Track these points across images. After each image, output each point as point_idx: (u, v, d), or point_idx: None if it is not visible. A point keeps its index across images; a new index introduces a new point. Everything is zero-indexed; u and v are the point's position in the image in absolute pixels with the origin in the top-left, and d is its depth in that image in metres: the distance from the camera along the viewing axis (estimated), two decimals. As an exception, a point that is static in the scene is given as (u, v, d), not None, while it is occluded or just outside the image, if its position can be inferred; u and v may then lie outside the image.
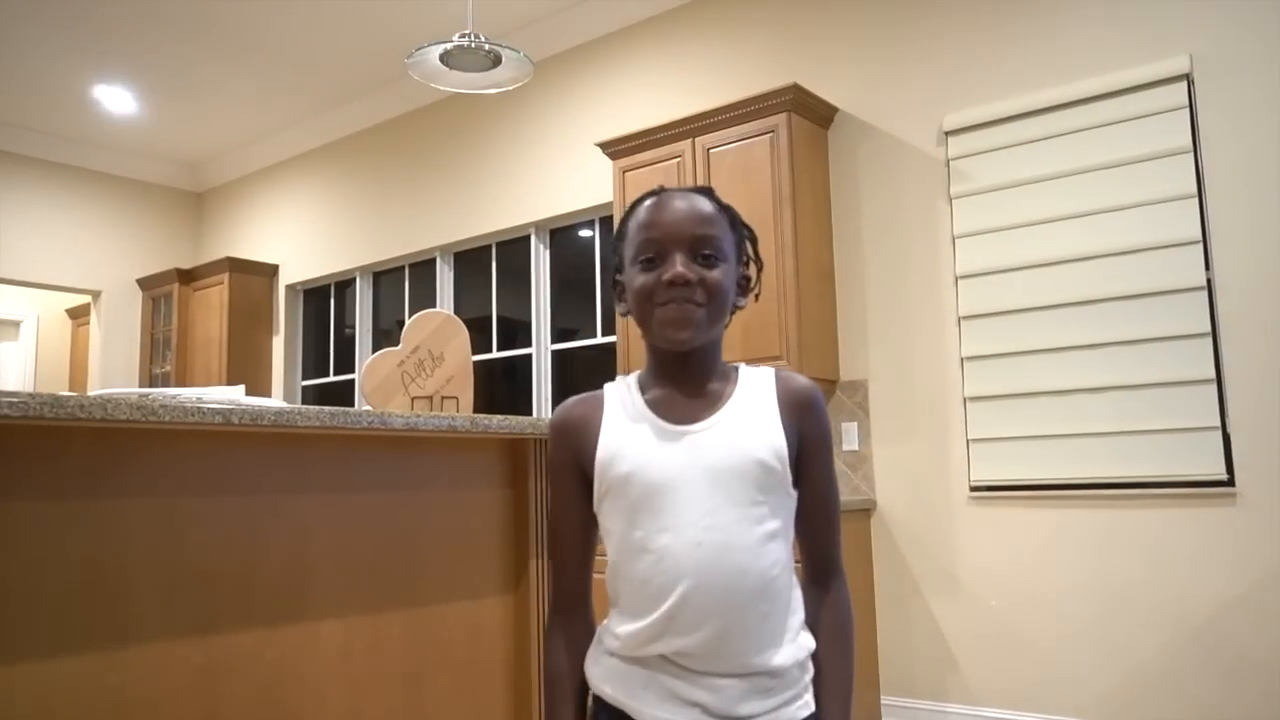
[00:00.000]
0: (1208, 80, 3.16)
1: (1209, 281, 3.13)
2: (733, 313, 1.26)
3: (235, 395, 1.91)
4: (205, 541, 1.68)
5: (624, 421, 1.23)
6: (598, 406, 1.26)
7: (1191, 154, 3.17)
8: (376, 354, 2.17)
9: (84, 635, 1.51)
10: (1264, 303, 3.03)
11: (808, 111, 3.86)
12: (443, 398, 2.20)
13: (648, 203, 1.25)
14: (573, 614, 1.29)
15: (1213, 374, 3.09)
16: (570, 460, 1.26)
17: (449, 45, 2.50)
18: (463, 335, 2.26)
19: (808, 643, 1.20)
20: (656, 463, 1.17)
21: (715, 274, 1.20)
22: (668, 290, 1.18)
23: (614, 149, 4.28)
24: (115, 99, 5.97)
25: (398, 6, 4.87)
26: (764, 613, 1.14)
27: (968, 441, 3.56)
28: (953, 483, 3.59)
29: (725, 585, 1.13)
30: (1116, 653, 3.19)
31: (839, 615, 1.25)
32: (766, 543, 1.15)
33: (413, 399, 2.17)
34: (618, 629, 1.19)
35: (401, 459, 2.05)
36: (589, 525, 1.26)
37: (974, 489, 3.54)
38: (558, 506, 1.29)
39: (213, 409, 1.52)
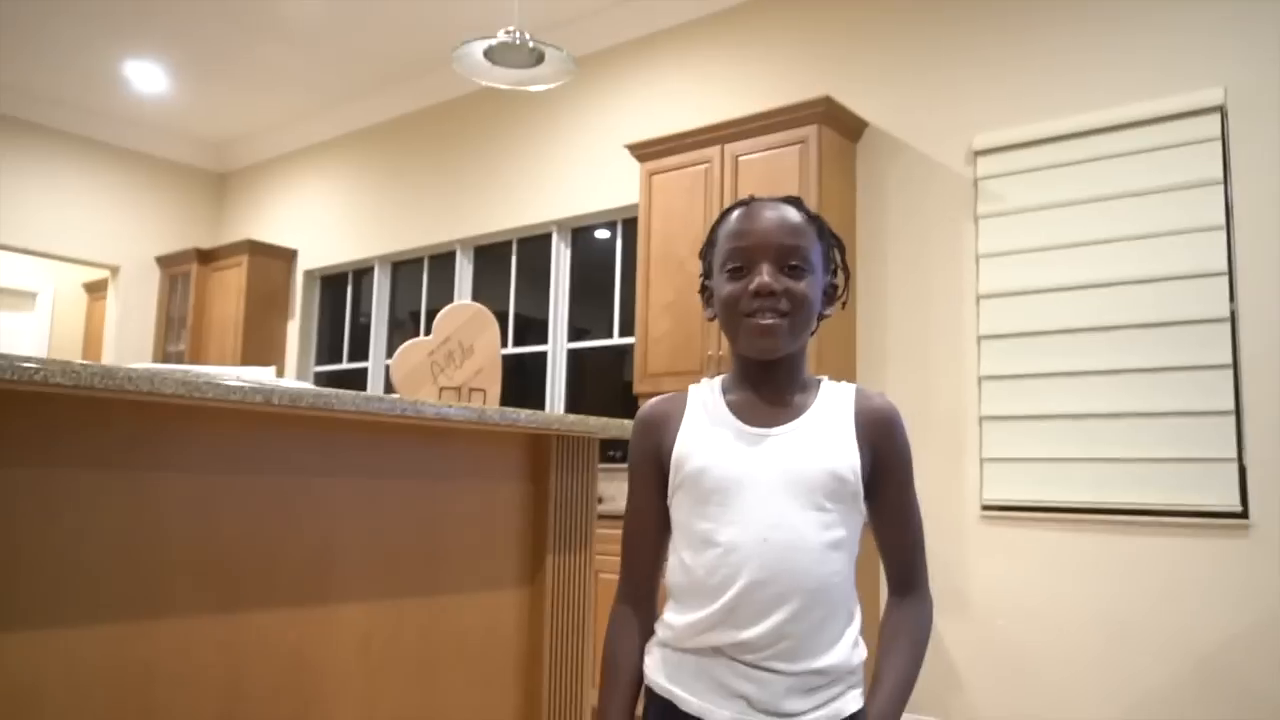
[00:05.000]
0: (1241, 113, 3.17)
1: (1233, 313, 3.13)
2: (821, 320, 1.30)
3: (266, 376, 1.93)
4: (235, 520, 1.70)
5: (703, 420, 1.26)
6: (680, 405, 1.29)
7: (1222, 186, 3.18)
8: (408, 343, 2.19)
9: (115, 606, 1.53)
10: (1287, 337, 3.03)
11: (838, 124, 3.87)
12: (470, 390, 2.21)
13: (737, 212, 1.27)
14: (639, 606, 1.31)
15: (1232, 406, 3.09)
16: (650, 454, 1.28)
17: (494, 41, 2.51)
18: (493, 329, 2.28)
19: (862, 653, 1.23)
20: (730, 459, 1.20)
21: (801, 285, 1.22)
22: (753, 300, 1.20)
23: (642, 151, 4.29)
24: (146, 76, 6.00)
25: (432, -1, 4.89)
26: (820, 618, 1.17)
27: (981, 460, 3.56)
28: (965, 501, 3.59)
29: (787, 583, 1.15)
30: (1121, 681, 3.19)
31: (912, 621, 1.26)
32: (830, 550, 1.18)
33: (441, 389, 2.19)
34: (673, 619, 1.22)
35: (427, 448, 2.07)
36: (663, 520, 1.28)
37: (985, 508, 3.54)
38: (635, 499, 1.31)
39: (254, 389, 1.54)
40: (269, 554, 1.75)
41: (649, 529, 1.29)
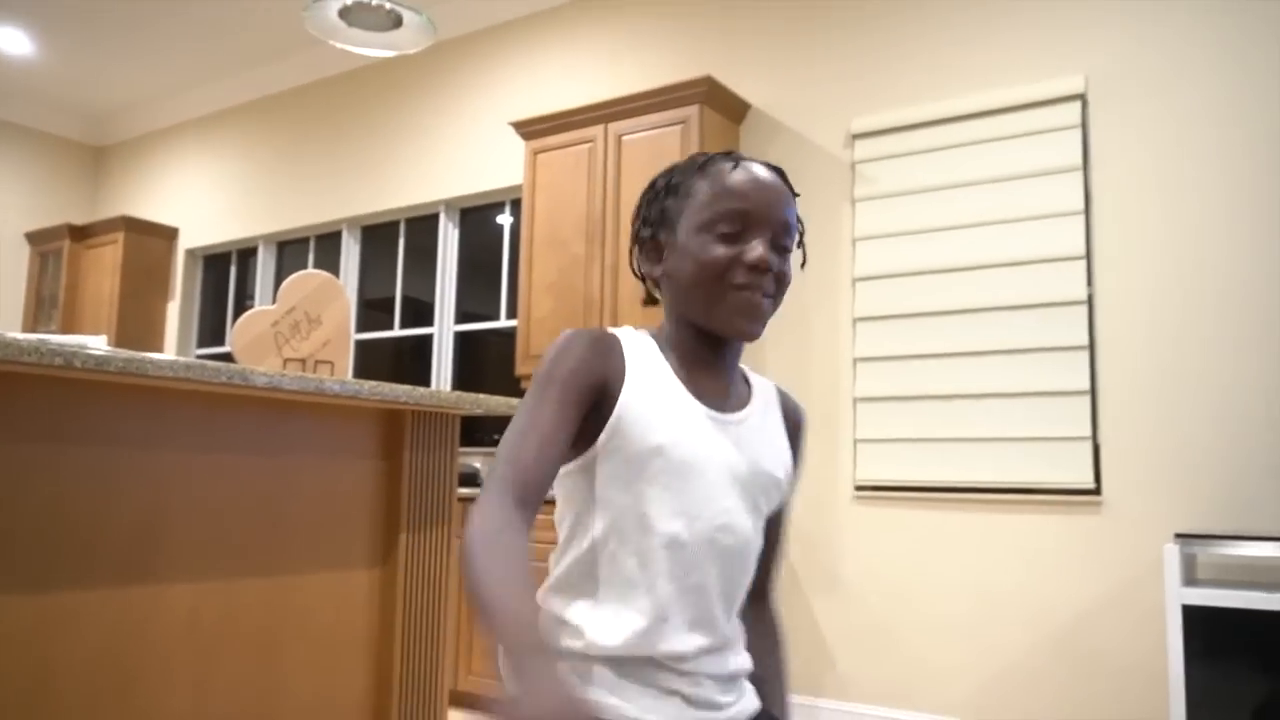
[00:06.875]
0: (1101, 101, 3.28)
1: (1090, 296, 3.24)
2: None
3: (93, 344, 1.82)
4: (41, 493, 1.60)
5: (653, 384, 1.09)
6: (619, 348, 1.09)
7: (1081, 171, 3.29)
8: (249, 312, 2.10)
9: (-105, 583, 1.42)
10: (1139, 319, 3.15)
11: (720, 105, 3.88)
12: (317, 362, 2.14)
13: (731, 165, 1.11)
14: (529, 509, 0.98)
15: (1088, 386, 3.20)
16: (596, 379, 1.05)
17: (349, 0, 2.43)
18: (342, 299, 2.20)
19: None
20: (688, 442, 1.07)
21: (787, 268, 1.11)
22: (748, 273, 1.07)
23: (527, 129, 4.23)
24: (9, 39, 5.67)
25: (315, -32, 4.73)
26: (735, 621, 1.16)
27: (855, 441, 3.62)
28: (839, 481, 3.65)
29: (730, 586, 1.11)
30: (985, 652, 3.28)
31: (778, 623, 1.32)
32: (755, 556, 1.16)
33: (285, 361, 2.11)
34: (600, 626, 1.05)
35: (268, 421, 1.98)
36: (566, 445, 1.04)
37: (859, 488, 3.60)
38: (550, 412, 1.02)
39: (52, 350, 1.45)
40: (84, 528, 1.65)
41: (561, 442, 1.02)
